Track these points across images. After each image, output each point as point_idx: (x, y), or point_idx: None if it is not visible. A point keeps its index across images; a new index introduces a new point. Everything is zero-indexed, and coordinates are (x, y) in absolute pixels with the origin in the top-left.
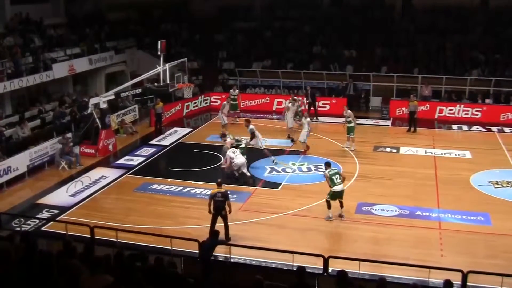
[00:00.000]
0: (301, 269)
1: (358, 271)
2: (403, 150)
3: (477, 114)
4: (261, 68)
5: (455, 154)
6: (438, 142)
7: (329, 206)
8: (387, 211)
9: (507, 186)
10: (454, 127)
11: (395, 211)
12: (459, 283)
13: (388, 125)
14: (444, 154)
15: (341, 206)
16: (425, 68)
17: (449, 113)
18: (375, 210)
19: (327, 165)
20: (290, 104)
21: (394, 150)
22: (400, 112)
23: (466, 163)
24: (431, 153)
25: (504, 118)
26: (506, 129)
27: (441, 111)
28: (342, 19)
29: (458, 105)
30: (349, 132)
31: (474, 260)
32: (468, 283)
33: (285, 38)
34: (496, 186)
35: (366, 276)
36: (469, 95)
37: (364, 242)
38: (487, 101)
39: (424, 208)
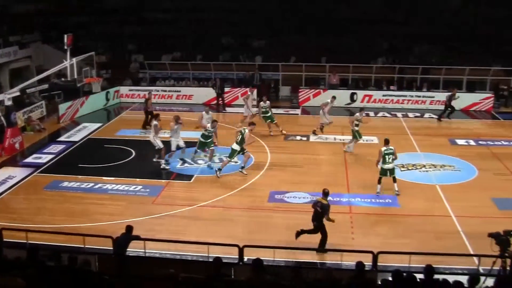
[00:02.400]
0: (217, 260)
1: (273, 259)
2: (313, 138)
3: (382, 101)
4: (171, 61)
5: (363, 140)
6: (346, 128)
7: (379, 181)
8: (299, 198)
9: (412, 169)
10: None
11: (307, 197)
12: (371, 264)
13: (297, 114)
14: None
15: (394, 181)
16: (332, 57)
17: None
18: (288, 197)
19: (386, 142)
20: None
21: (304, 138)
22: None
23: (374, 148)
24: (340, 139)
25: (407, 103)
26: (410, 114)
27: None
28: (252, 9)
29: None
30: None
31: (384, 241)
32: (378, 263)
33: (195, 29)
34: (402, 169)
35: (281, 263)
36: (375, 83)
37: (278, 229)
38: (391, 87)
39: (334, 193)
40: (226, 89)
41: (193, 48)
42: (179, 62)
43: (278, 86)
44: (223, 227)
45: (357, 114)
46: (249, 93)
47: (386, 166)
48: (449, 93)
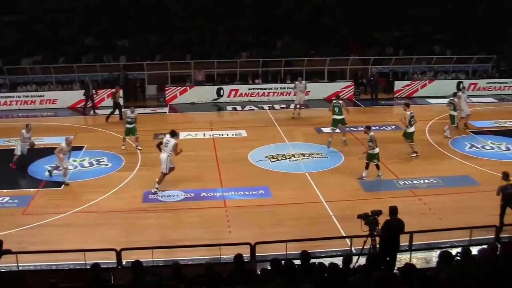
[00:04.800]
0: (95, 266)
1: (152, 259)
2: (182, 135)
3: (249, 94)
4: (32, 64)
5: (232, 134)
6: (215, 124)
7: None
8: (174, 196)
9: (282, 159)
10: (229, 108)
11: (181, 195)
12: (249, 255)
13: (165, 112)
14: (222, 135)
15: (378, 167)
16: (198, 54)
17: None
18: (162, 196)
19: (369, 128)
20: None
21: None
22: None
23: (243, 141)
24: (210, 135)
25: (273, 96)
26: (276, 106)
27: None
28: (113, 8)
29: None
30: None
31: (260, 231)
32: (257, 254)
33: (55, 31)
34: (272, 160)
35: (160, 263)
36: (240, 77)
37: (155, 229)
38: (256, 81)
39: (208, 189)
40: (92, 91)
41: (55, 50)
42: (40, 66)
43: (144, 86)
44: (99, 232)
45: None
46: (297, 82)
47: (377, 150)
48: None
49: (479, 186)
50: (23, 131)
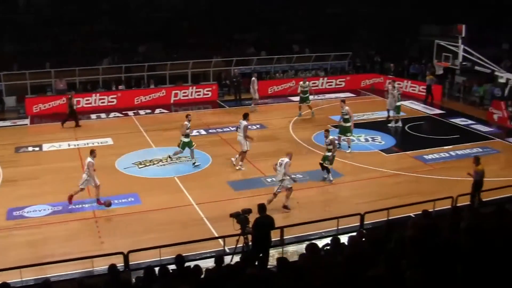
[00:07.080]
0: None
1: (21, 279)
2: (46, 147)
3: (113, 101)
4: None
5: (98, 143)
6: (79, 133)
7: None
8: (40, 211)
9: (150, 165)
10: (93, 116)
11: (48, 209)
12: (123, 264)
13: (27, 124)
14: (87, 144)
15: (329, 171)
16: (57, 62)
17: (86, 104)
18: (27, 212)
19: (328, 131)
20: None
21: (37, 148)
22: (37, 109)
23: (109, 149)
24: (75, 145)
25: (138, 101)
26: (141, 112)
27: (78, 102)
28: None
29: (94, 95)
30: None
31: (132, 240)
32: (131, 262)
33: None
34: (140, 166)
35: (31, 282)
36: (103, 84)
37: (22, 248)
38: (120, 87)
39: (76, 200)
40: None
41: None
42: None
43: (2, 97)
44: None
45: None
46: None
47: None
48: None
49: (343, 177)
50: (91, 159)
